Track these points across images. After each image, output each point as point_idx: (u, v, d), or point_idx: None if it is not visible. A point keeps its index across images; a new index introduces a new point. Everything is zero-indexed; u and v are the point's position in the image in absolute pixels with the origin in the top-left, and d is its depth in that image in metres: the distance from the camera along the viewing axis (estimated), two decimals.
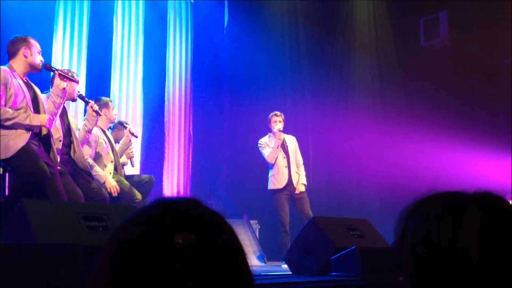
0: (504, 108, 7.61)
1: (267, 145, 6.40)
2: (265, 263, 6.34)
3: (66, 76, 4.19)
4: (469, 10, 7.89)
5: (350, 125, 8.33)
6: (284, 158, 6.36)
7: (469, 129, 7.61)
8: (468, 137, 7.46)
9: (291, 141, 6.53)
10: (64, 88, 4.18)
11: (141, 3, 7.44)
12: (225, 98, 8.43)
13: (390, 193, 7.86)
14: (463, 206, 0.94)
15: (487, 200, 0.95)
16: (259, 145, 6.48)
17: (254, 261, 6.29)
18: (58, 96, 4.15)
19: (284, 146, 6.43)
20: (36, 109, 4.02)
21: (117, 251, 0.75)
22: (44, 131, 4.02)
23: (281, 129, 6.36)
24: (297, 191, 6.29)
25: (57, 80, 4.15)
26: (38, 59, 4.10)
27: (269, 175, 6.41)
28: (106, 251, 0.76)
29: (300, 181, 6.35)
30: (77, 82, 4.49)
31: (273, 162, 6.34)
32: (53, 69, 4.21)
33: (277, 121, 6.37)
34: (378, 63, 9.08)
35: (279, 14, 8.74)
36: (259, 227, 7.20)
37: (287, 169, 6.32)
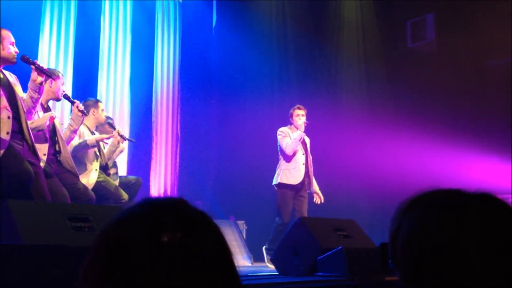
0: (491, 109, 7.67)
1: (289, 135, 6.07)
2: (252, 263, 6.34)
3: (42, 71, 3.93)
4: (455, 12, 7.96)
5: (337, 125, 8.35)
6: (303, 155, 6.08)
7: (457, 130, 7.66)
8: (455, 138, 7.52)
9: (307, 141, 6.27)
10: (41, 83, 3.94)
11: (128, 3, 7.40)
12: (213, 98, 8.42)
13: (378, 194, 7.89)
14: (464, 204, 0.91)
15: (488, 199, 0.93)
16: (279, 133, 6.13)
17: (241, 262, 6.28)
18: (35, 91, 3.93)
19: (304, 144, 6.16)
20: (15, 106, 3.76)
21: (105, 250, 0.75)
22: (26, 132, 3.91)
23: (306, 122, 6.08)
24: (314, 191, 6.11)
25: (34, 75, 3.92)
26: (12, 51, 3.80)
27: (282, 168, 6.02)
28: (94, 251, 0.76)
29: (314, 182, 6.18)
30: (54, 78, 4.36)
31: (291, 154, 5.98)
32: (31, 61, 3.93)
33: (300, 115, 6.09)
34: (365, 64, 9.14)
35: (268, 14, 8.75)
36: (246, 227, 7.19)
37: (304, 166, 6.04)
